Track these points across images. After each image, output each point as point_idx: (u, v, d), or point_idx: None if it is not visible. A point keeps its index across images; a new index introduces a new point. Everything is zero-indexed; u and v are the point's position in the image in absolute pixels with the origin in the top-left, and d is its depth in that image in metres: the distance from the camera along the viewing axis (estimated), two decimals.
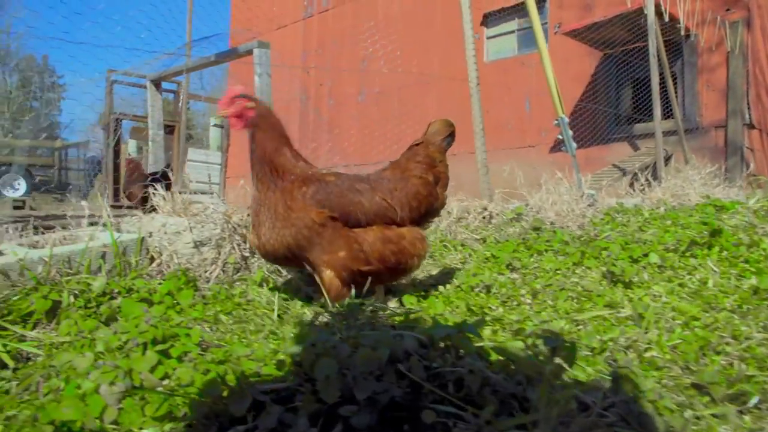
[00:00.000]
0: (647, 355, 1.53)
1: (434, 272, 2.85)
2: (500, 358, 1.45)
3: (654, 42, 7.17)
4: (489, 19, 12.48)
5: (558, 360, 1.30)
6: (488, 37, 12.61)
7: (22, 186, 20.15)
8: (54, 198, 21.38)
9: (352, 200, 2.09)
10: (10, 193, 19.38)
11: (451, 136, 2.40)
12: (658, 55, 7.31)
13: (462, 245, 3.39)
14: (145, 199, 6.82)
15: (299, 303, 2.28)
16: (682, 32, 8.99)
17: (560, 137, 4.82)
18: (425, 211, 2.26)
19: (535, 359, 1.36)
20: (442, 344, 1.44)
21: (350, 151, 13.01)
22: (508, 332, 1.89)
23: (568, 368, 1.30)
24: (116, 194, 11.96)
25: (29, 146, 23.23)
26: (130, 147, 16.59)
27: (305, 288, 2.48)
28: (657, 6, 7.67)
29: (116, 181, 12.15)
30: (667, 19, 8.20)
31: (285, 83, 14.75)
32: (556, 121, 4.82)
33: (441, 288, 2.50)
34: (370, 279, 2.11)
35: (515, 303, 2.31)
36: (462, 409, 1.22)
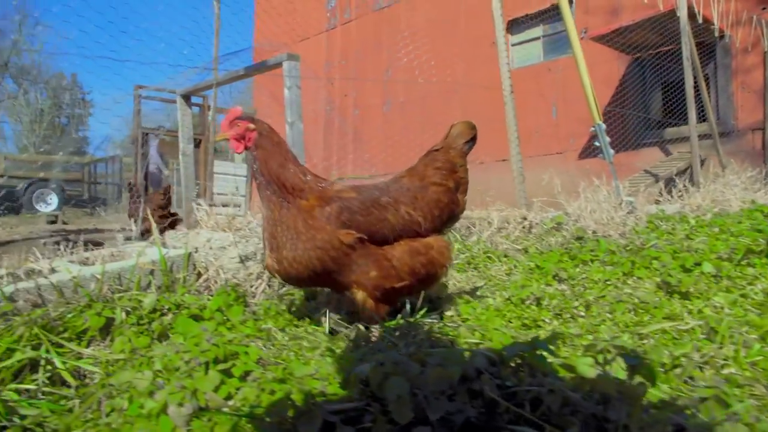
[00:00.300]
0: (725, 372, 1.47)
1: (480, 284, 2.81)
2: (570, 375, 1.41)
3: (687, 45, 7.04)
4: (513, 26, 12.42)
5: (639, 378, 1.26)
6: (513, 44, 12.54)
7: (54, 201, 20.58)
8: (84, 212, 21.80)
9: (378, 217, 2.02)
10: (42, 208, 19.80)
11: (473, 139, 2.31)
12: (691, 57, 7.17)
13: (505, 256, 3.34)
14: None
15: (345, 319, 2.26)
16: (716, 33, 8.82)
17: (597, 144, 4.75)
18: (447, 219, 2.21)
19: (609, 377, 1.32)
20: (512, 362, 1.40)
21: (376, 161, 13.01)
22: (569, 347, 1.84)
23: (650, 387, 1.25)
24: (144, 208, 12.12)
25: (59, 162, 23.72)
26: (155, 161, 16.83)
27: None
28: (690, 8, 7.54)
29: (146, 194, 12.32)
30: (700, 20, 8.06)
31: (310, 94, 14.83)
32: (592, 128, 4.75)
33: (491, 300, 2.46)
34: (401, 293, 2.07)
35: (569, 316, 2.26)
36: (541, 429, 1.18)
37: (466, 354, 1.41)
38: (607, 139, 4.65)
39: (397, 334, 1.83)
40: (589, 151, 10.14)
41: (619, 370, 1.37)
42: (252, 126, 2.10)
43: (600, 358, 1.46)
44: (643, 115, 10.19)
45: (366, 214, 2.01)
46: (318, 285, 2.17)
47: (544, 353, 1.34)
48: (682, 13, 7.19)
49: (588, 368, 1.40)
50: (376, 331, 1.97)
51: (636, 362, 1.27)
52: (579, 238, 3.59)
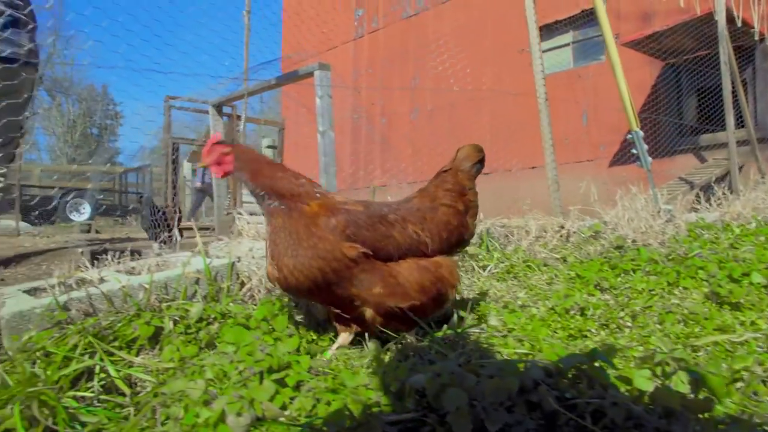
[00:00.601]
0: None
1: (521, 294, 2.79)
2: (627, 387, 1.39)
3: (725, 49, 6.91)
4: (543, 32, 12.30)
5: (704, 393, 1.23)
6: (543, 51, 12.47)
7: (86, 210, 21.01)
8: (115, 221, 22.21)
9: (385, 234, 1.96)
10: (76, 217, 20.22)
11: (480, 162, 2.25)
12: (728, 62, 7.04)
13: (545, 265, 3.31)
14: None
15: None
16: (756, 37, 8.63)
17: (634, 152, 4.68)
18: (455, 242, 2.15)
19: (671, 390, 1.29)
20: (569, 373, 1.38)
21: (403, 168, 13.04)
22: (620, 358, 1.81)
23: (717, 402, 1.22)
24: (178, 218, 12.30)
25: (91, 172, 24.21)
26: (185, 170, 17.08)
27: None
28: (728, 11, 7.39)
29: (175, 204, 12.49)
30: (739, 24, 7.91)
31: (337, 103, 14.93)
32: (629, 135, 4.69)
33: (534, 310, 2.44)
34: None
35: (615, 326, 2.23)
36: None
37: (521, 365, 1.40)
38: (645, 146, 4.58)
39: (445, 344, 1.82)
40: (622, 158, 10.02)
41: (679, 383, 1.35)
42: (227, 150, 2.08)
43: (658, 370, 1.44)
44: (677, 121, 10.03)
45: (372, 229, 1.95)
46: (319, 299, 2.08)
47: (603, 365, 1.33)
48: (720, 17, 7.05)
49: (645, 381, 1.38)
50: (431, 342, 1.96)
51: (699, 376, 1.24)
52: (618, 247, 3.54)
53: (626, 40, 9.46)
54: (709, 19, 7.69)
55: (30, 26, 3.53)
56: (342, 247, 1.89)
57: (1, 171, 3.58)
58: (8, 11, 3.36)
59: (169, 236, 6.75)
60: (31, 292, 2.35)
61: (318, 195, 2.02)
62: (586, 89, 11.35)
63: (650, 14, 10.27)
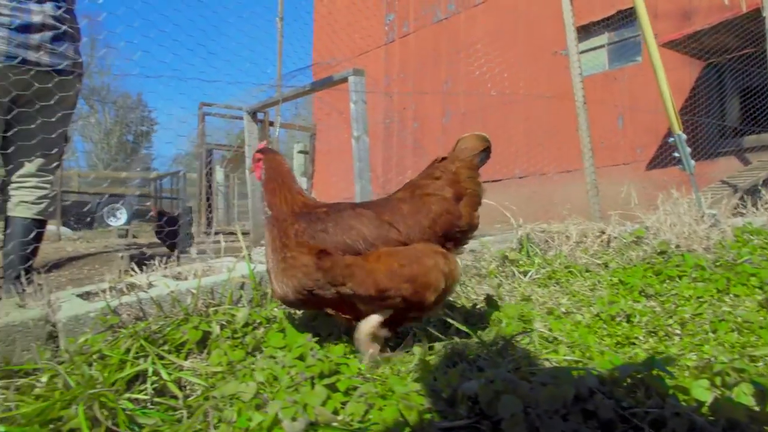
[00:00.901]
0: None
1: (564, 300, 2.76)
2: (685, 398, 1.36)
3: None
4: (577, 34, 12.20)
5: None
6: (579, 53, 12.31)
7: (123, 215, 21.48)
8: (150, 226, 22.64)
9: (348, 227, 1.92)
10: (113, 222, 20.70)
11: (485, 151, 2.12)
12: None
13: (587, 271, 3.27)
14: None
15: (433, 333, 2.25)
16: None
17: (677, 155, 4.59)
18: (443, 232, 1.98)
19: (735, 402, 1.26)
20: (625, 382, 1.37)
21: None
22: (672, 367, 1.78)
23: None
24: (209, 222, 12.50)
25: (128, 178, 24.73)
26: (218, 176, 17.31)
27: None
28: None
29: (209, 209, 12.68)
30: None
31: (369, 108, 15.00)
32: (671, 138, 4.60)
33: (579, 317, 2.41)
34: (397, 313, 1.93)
35: (663, 334, 2.19)
36: None
37: (575, 372, 1.39)
38: (688, 149, 4.49)
39: (493, 349, 1.82)
40: (661, 161, 9.81)
41: (741, 394, 1.32)
42: (259, 156, 2.20)
43: (717, 380, 1.41)
44: (719, 122, 9.79)
45: (335, 225, 1.93)
46: (318, 307, 2.04)
47: (661, 374, 1.31)
48: None
49: (704, 391, 1.35)
50: (478, 348, 1.95)
51: (765, 388, 1.21)
52: (662, 253, 3.47)
53: (665, 41, 9.26)
54: (755, 15, 7.46)
55: (77, 40, 3.65)
56: (304, 250, 1.90)
57: (50, 178, 3.70)
58: (64, 27, 3.49)
59: (173, 243, 6.84)
60: (84, 296, 2.42)
61: (298, 208, 2.06)
62: (622, 91, 11.17)
63: (689, 12, 10.06)
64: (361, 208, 2.01)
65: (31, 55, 3.31)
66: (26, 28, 3.31)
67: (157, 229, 8.31)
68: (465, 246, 2.13)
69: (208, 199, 13.36)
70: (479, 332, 2.01)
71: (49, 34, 3.40)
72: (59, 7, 3.47)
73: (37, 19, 3.34)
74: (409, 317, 1.99)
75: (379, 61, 16.77)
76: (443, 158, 2.10)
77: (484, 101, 12.74)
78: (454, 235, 2.01)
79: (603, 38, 11.95)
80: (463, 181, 2.03)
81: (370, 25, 16.82)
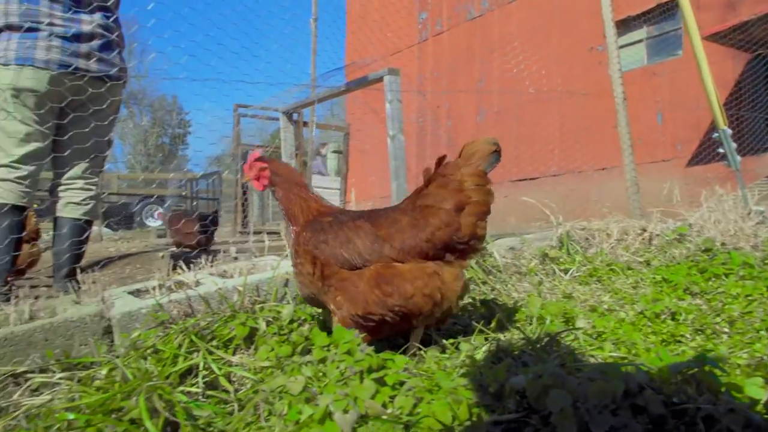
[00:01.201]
0: None
1: (606, 298, 2.74)
2: (738, 395, 1.35)
3: None
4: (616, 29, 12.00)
5: None
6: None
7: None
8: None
9: (346, 240, 1.95)
10: (152, 223, 21.17)
11: (494, 153, 2.03)
12: None
13: (629, 268, 3.24)
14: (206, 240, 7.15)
15: (477, 329, 2.26)
16: None
17: (721, 150, 4.49)
18: (442, 245, 1.93)
19: None
20: (676, 379, 1.36)
21: None
22: (723, 365, 1.76)
23: None
24: (244, 223, 12.68)
25: (165, 179, 25.23)
26: None
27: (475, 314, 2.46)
28: None
29: (244, 209, 12.87)
30: None
31: (403, 106, 15.03)
32: (716, 134, 4.50)
33: (622, 314, 2.39)
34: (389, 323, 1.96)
35: (711, 332, 2.16)
36: None
37: (623, 368, 1.39)
38: (734, 144, 4.38)
39: (538, 346, 1.82)
40: (704, 157, 9.59)
41: None
42: (263, 165, 2.20)
43: None
44: (764, 116, 9.50)
45: (334, 236, 1.97)
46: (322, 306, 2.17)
47: (714, 370, 1.30)
48: None
49: (758, 389, 1.34)
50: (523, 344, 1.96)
51: None
52: (707, 251, 3.41)
53: (708, 33, 9.02)
54: None
55: (122, 47, 3.78)
56: (308, 257, 1.99)
57: (95, 180, 3.82)
58: (113, 35, 3.62)
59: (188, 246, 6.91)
60: (135, 293, 2.51)
61: (310, 217, 2.11)
62: (662, 86, 10.95)
63: (735, 3, 9.77)
64: (362, 220, 2.01)
65: (83, 63, 3.45)
66: (78, 38, 3.45)
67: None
68: (472, 256, 2.05)
69: (244, 200, 13.54)
70: (523, 329, 2.01)
71: (98, 42, 3.54)
72: (107, 17, 3.61)
73: (87, 28, 3.47)
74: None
75: (412, 60, 16.78)
76: (445, 165, 2.02)
77: (519, 99, 12.63)
78: (455, 247, 1.95)
79: (642, 32, 11.72)
80: (466, 191, 1.95)
81: (404, 24, 16.84)
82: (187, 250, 6.87)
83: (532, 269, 3.26)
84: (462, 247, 1.96)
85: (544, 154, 12.00)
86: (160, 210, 13.96)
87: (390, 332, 2.01)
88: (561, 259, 3.37)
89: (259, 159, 2.23)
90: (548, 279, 3.13)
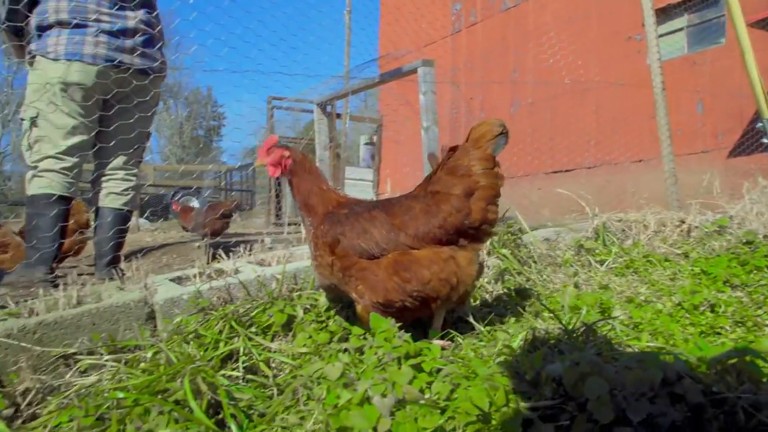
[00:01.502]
0: None
1: (642, 289, 2.71)
2: None
3: None
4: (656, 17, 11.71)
5: None
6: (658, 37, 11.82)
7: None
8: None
9: (363, 231, 1.99)
10: None
11: (502, 135, 2.00)
12: None
13: (666, 260, 3.19)
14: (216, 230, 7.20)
15: (512, 319, 2.28)
16: None
17: (766, 141, 4.37)
18: (454, 230, 1.95)
19: None
20: (715, 368, 1.35)
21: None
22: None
23: None
24: (278, 214, 12.81)
25: (199, 170, 25.62)
26: None
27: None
28: None
29: (278, 200, 13.00)
30: None
31: (436, 98, 14.96)
32: (760, 124, 4.38)
33: (660, 305, 2.37)
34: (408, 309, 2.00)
35: (752, 324, 2.12)
36: None
37: (661, 357, 1.39)
38: None
39: (574, 335, 1.82)
40: (746, 147, 9.31)
41: None
42: (287, 153, 2.20)
43: None
44: None
45: (351, 227, 2.00)
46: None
47: (756, 360, 1.28)
48: None
49: None
50: (560, 332, 1.96)
51: None
52: (748, 243, 3.33)
53: (754, 20, 8.72)
54: None
55: (162, 41, 3.87)
56: (326, 249, 2.03)
57: (135, 171, 3.92)
58: (155, 30, 3.73)
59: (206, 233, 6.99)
60: (176, 280, 2.58)
61: (328, 208, 2.14)
62: (703, 75, 10.65)
63: None
64: (378, 210, 2.04)
65: (127, 58, 3.56)
66: (123, 33, 3.56)
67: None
68: (485, 239, 2.07)
69: (277, 191, 13.67)
70: (558, 318, 2.01)
71: (141, 37, 3.65)
72: (150, 13, 3.71)
73: (132, 24, 3.59)
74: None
75: (446, 51, 16.66)
76: (454, 148, 2.04)
77: (553, 90, 12.44)
78: (467, 232, 1.98)
79: (682, 20, 11.41)
80: (474, 175, 1.96)
81: (438, 16, 16.74)
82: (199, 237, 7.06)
83: (567, 260, 3.24)
84: (474, 231, 1.99)
85: (579, 145, 11.81)
86: (176, 201, 14.12)
87: (411, 317, 2.04)
88: (597, 251, 3.35)
89: (279, 146, 2.25)
90: (584, 270, 3.11)
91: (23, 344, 1.99)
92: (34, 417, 1.75)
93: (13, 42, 3.74)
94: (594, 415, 1.25)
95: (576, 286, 2.76)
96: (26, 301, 2.31)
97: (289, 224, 8.20)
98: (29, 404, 1.81)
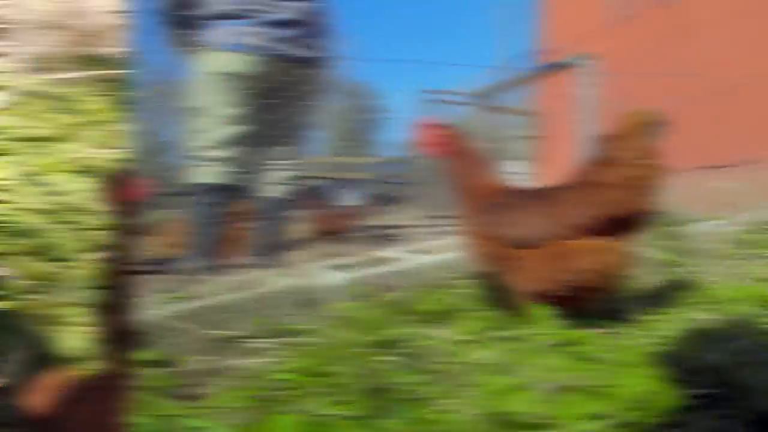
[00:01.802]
0: None
1: None
2: None
3: None
4: None
5: None
6: None
7: (351, 198, 23.19)
8: (379, 208, 24.20)
9: (516, 221, 1.97)
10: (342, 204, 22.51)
11: (655, 125, 1.91)
12: None
13: None
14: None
15: (669, 309, 2.16)
16: None
17: None
18: (608, 220, 1.89)
19: None
20: None
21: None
22: None
23: None
24: (434, 205, 12.97)
25: (355, 163, 26.69)
26: None
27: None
28: None
29: (433, 191, 13.15)
30: None
31: (594, 92, 14.25)
32: None
33: None
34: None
35: None
36: None
37: None
38: None
39: (733, 324, 1.71)
40: None
41: None
42: (453, 134, 2.14)
43: None
44: None
45: (506, 219, 1.98)
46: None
47: None
48: None
49: None
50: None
51: None
52: None
53: None
54: None
55: (326, 34, 3.86)
56: (481, 238, 2.01)
57: (295, 162, 3.94)
58: (316, 21, 3.74)
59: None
60: (336, 268, 2.73)
61: (487, 197, 2.06)
62: None
63: None
64: (534, 199, 2.03)
65: (289, 48, 3.59)
66: (284, 24, 3.58)
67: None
68: (640, 230, 1.99)
69: (433, 182, 13.80)
70: (717, 310, 1.90)
71: (303, 28, 3.65)
72: (311, 4, 3.72)
73: (293, 15, 3.61)
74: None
75: (605, 45, 15.75)
76: (607, 140, 2.00)
77: (713, 85, 11.23)
78: (621, 223, 1.92)
79: None
80: (629, 166, 1.90)
81: (598, 8, 15.91)
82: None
83: (725, 253, 3.02)
84: (629, 222, 1.93)
85: (740, 140, 10.59)
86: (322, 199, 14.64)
87: (567, 306, 1.98)
88: (758, 244, 3.08)
89: (440, 125, 2.19)
90: (743, 263, 2.87)
91: (191, 326, 2.10)
92: (200, 396, 1.93)
93: (176, 33, 3.81)
94: (755, 404, 1.22)
95: (735, 278, 2.55)
96: (193, 286, 2.47)
97: (444, 216, 8.29)
98: (195, 385, 1.99)
